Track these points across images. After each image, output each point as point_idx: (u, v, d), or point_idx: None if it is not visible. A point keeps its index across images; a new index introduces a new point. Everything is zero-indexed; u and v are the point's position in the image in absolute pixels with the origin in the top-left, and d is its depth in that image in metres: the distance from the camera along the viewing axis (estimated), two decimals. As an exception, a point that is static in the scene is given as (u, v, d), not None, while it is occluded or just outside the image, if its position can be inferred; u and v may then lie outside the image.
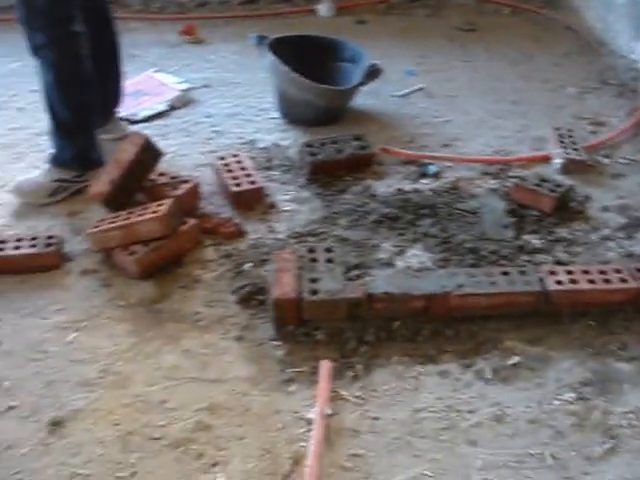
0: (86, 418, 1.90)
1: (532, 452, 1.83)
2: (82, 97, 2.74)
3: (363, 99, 3.39)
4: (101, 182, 2.55)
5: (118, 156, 2.56)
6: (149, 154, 2.59)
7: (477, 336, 2.14)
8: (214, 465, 1.78)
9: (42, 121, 3.05)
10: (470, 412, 1.93)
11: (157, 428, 1.87)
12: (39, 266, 2.39)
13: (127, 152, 2.55)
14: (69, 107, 2.72)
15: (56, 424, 1.89)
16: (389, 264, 2.40)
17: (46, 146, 2.93)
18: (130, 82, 3.36)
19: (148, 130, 3.03)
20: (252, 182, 2.71)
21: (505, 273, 2.22)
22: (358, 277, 2.27)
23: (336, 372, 2.01)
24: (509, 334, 2.15)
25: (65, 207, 2.72)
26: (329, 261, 2.24)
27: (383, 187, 2.81)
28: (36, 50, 2.65)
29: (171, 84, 3.53)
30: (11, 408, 1.94)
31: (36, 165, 2.90)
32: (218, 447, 1.82)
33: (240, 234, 2.55)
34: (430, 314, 2.16)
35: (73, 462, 1.79)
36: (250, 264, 2.40)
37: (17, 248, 2.40)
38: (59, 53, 2.64)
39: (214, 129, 3.24)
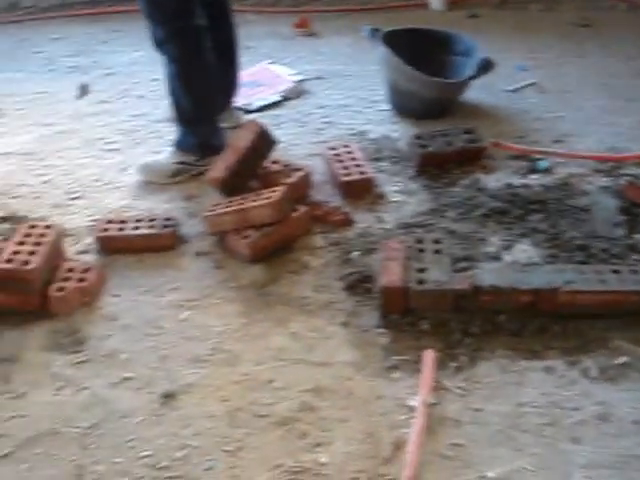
0: (196, 393, 1.98)
1: (637, 453, 1.80)
2: (204, 89, 2.84)
3: (475, 93, 3.38)
4: (217, 168, 2.63)
5: (234, 143, 2.65)
6: (264, 142, 2.66)
7: (584, 334, 2.11)
8: (317, 445, 1.83)
9: (161, 108, 3.20)
10: (574, 409, 1.91)
11: (264, 406, 1.93)
12: (156, 246, 2.50)
13: (243, 139, 2.63)
14: (191, 98, 2.83)
15: (168, 397, 1.97)
16: (496, 258, 2.39)
17: (165, 132, 3.07)
18: (246, 73, 3.46)
19: (262, 120, 3.11)
20: (362, 172, 2.75)
21: (615, 271, 2.19)
22: (465, 269, 2.27)
23: (440, 362, 2.02)
24: (617, 333, 2.11)
25: (183, 190, 2.83)
26: (436, 252, 2.26)
27: (492, 181, 2.80)
28: (159, 43, 2.77)
29: (285, 75, 3.61)
30: (127, 379, 2.04)
31: (156, 150, 3.04)
32: (322, 428, 1.87)
33: (349, 223, 2.59)
34: (537, 309, 2.15)
35: (183, 433, 1.87)
36: (358, 252, 2.44)
37: (136, 229, 2.52)
38: (181, 47, 2.75)
39: (326, 120, 3.29)
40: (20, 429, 1.89)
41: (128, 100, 3.51)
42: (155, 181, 2.88)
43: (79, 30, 4.35)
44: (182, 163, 2.89)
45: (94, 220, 2.66)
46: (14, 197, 2.86)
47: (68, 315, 2.24)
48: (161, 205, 2.75)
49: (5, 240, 2.47)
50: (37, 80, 3.79)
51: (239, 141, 2.64)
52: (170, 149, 2.92)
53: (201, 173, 2.85)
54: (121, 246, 2.50)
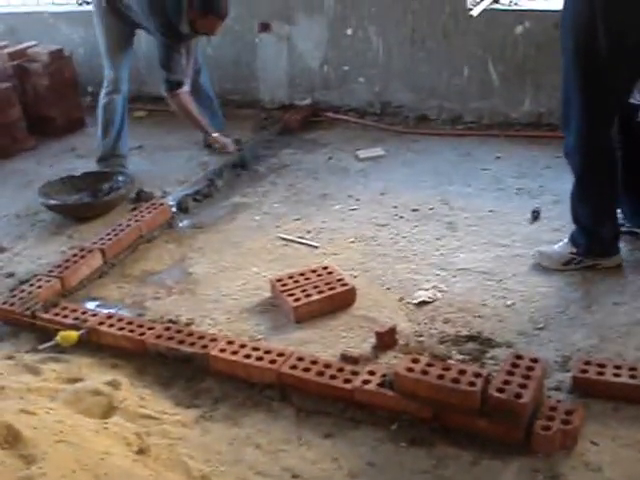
0: None
1: None
2: (601, 202, 3.06)
3: None
4: None
5: None
6: None
7: None
8: None
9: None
10: None
11: None
12: (637, 398, 2.38)
13: None
14: (588, 207, 3.06)
15: None
16: None
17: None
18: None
19: None
20: None
21: None
22: None
23: None
24: None
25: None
26: None
27: None
28: (566, 151, 3.02)
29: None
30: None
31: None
32: None
33: None
34: None
35: None
36: None
37: (617, 375, 2.42)
38: (586, 162, 2.97)
39: None
40: None
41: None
42: (549, 266, 3.17)
43: (521, 151, 4.45)
44: (574, 254, 3.14)
45: (562, 356, 2.63)
46: (477, 316, 2.93)
47: (548, 455, 2.20)
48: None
49: (473, 360, 2.53)
50: (486, 197, 3.92)
51: None
52: (565, 240, 3.19)
53: (590, 267, 3.11)
54: (599, 390, 2.42)
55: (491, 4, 4.69)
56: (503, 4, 4.73)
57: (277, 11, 5.19)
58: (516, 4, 4.71)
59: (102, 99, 4.45)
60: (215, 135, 4.50)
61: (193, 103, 4.37)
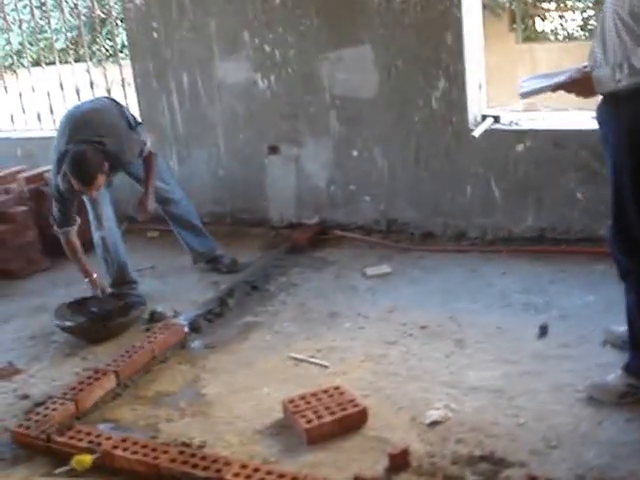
0: None
1: None
2: None
3: None
4: None
5: None
6: None
7: None
8: None
9: None
10: None
11: None
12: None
13: None
14: None
15: None
16: None
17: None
18: None
19: None
20: None
21: None
22: None
23: None
24: None
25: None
26: None
27: None
28: (623, 274, 2.97)
29: None
30: None
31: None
32: None
33: None
34: None
35: None
36: None
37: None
38: None
39: None
40: None
41: (589, 347, 3.50)
42: (604, 400, 3.02)
43: (526, 266, 4.53)
44: (630, 385, 3.00)
45: (576, 475, 2.64)
46: (489, 436, 2.94)
47: None
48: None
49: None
50: (493, 314, 3.97)
51: None
52: (619, 371, 3.05)
53: None
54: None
55: (492, 124, 4.87)
56: (504, 124, 4.90)
57: (285, 134, 5.40)
58: (517, 124, 4.88)
59: (93, 236, 4.62)
60: (94, 277, 4.47)
61: (77, 246, 4.42)
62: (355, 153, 5.20)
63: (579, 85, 2.87)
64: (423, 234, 5.12)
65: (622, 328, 3.21)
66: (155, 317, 4.26)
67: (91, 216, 4.57)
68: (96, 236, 4.59)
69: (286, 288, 4.63)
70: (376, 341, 3.81)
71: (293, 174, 5.47)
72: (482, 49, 5.00)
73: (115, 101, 4.79)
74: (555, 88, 2.93)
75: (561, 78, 2.93)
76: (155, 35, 5.64)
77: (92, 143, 4.19)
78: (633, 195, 2.86)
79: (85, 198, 4.43)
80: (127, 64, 6.06)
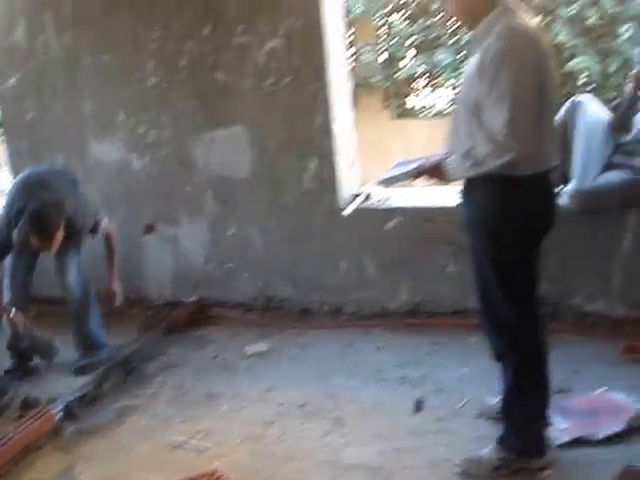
0: None
1: None
2: (539, 394, 3.04)
3: None
4: None
5: None
6: None
7: None
8: None
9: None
10: None
11: None
12: None
13: None
14: (524, 407, 3.01)
15: None
16: None
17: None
18: (581, 400, 3.47)
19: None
20: None
21: None
22: None
23: None
24: None
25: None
26: None
27: None
28: (498, 355, 3.08)
29: (625, 404, 3.51)
30: None
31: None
32: None
33: None
34: None
35: None
36: None
37: None
38: (522, 356, 3.00)
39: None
40: None
41: (465, 420, 3.58)
42: (479, 474, 3.07)
43: (401, 340, 4.62)
44: (504, 459, 3.05)
45: None
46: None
47: None
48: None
49: None
50: (370, 389, 4.02)
51: None
52: (493, 445, 3.10)
53: (522, 469, 3.02)
54: None
55: (362, 203, 5.01)
56: (374, 202, 5.04)
57: (162, 214, 5.39)
58: (387, 201, 5.02)
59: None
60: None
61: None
62: (232, 231, 5.24)
63: (437, 171, 2.98)
64: (301, 310, 5.16)
65: (496, 400, 3.31)
66: (28, 404, 4.09)
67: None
68: None
69: (164, 369, 4.56)
70: (254, 421, 3.79)
71: (170, 253, 5.45)
72: (353, 129, 5.18)
73: (71, 171, 4.89)
74: (415, 175, 3.04)
75: (419, 164, 3.04)
76: (30, 115, 5.57)
77: (51, 202, 4.21)
78: (496, 279, 2.94)
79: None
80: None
